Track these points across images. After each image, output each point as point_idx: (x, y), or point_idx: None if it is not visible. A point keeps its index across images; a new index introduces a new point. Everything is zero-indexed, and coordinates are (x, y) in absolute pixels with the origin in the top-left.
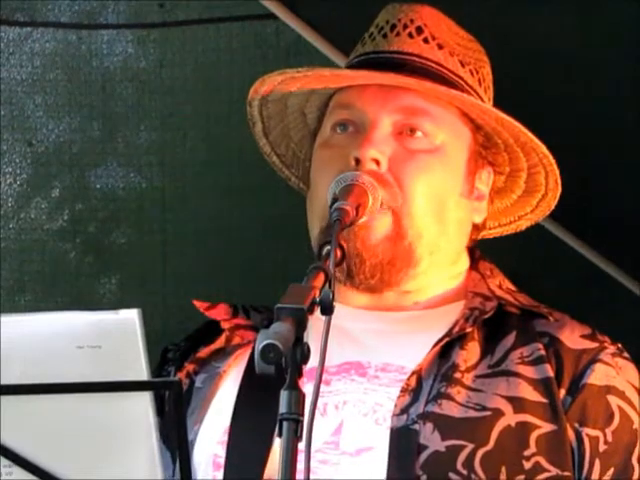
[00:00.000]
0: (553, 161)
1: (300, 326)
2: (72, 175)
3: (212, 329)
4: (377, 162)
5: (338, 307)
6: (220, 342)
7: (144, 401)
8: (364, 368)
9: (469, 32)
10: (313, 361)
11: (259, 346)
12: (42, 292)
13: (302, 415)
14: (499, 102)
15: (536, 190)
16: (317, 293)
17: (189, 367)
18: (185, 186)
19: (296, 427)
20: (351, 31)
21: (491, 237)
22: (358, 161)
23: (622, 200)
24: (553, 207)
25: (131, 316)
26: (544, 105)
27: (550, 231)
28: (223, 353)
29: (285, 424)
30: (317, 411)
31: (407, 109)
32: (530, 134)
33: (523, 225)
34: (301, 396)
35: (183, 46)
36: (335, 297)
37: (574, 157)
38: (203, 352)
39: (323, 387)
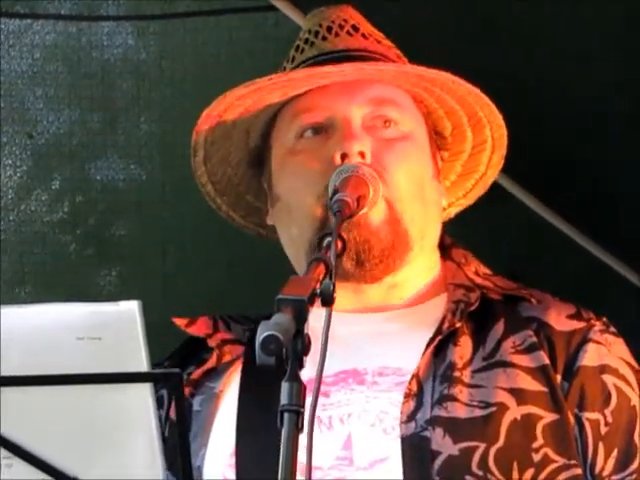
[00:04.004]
0: (505, 132)
1: (301, 317)
2: (72, 167)
3: (196, 345)
4: (362, 155)
5: (323, 312)
6: (212, 362)
7: (144, 393)
8: (361, 375)
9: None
10: (309, 372)
11: (260, 337)
12: (42, 284)
13: (303, 406)
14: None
15: (474, 171)
16: (318, 284)
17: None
18: (185, 178)
19: (297, 419)
20: None
21: None
22: (345, 156)
23: (621, 191)
24: (488, 187)
25: (131, 307)
26: (546, 103)
27: (549, 222)
28: (216, 372)
29: (286, 415)
30: (323, 425)
31: (375, 100)
32: (492, 105)
33: (452, 212)
34: (302, 387)
35: (183, 38)
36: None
37: (573, 150)
38: (196, 373)
39: (323, 399)
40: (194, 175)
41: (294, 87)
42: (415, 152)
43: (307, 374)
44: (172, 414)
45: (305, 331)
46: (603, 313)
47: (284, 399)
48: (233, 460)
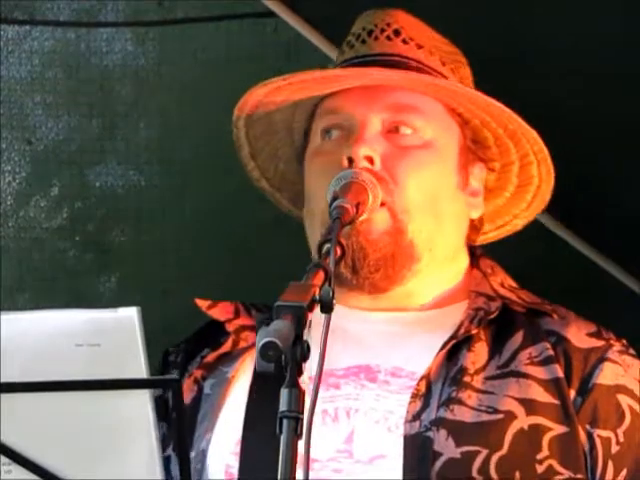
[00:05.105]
0: (544, 147)
1: (300, 324)
2: (71, 173)
3: (214, 329)
4: (370, 160)
5: (342, 309)
6: (227, 346)
7: (143, 399)
8: (374, 372)
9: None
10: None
11: (259, 344)
12: (41, 290)
13: (302, 413)
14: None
15: (529, 183)
16: (317, 291)
17: (197, 373)
18: (184, 184)
19: (296, 425)
20: (350, 29)
21: (489, 242)
22: (351, 160)
23: (622, 198)
24: (547, 201)
25: (130, 314)
26: (545, 105)
27: (549, 229)
28: (230, 357)
29: (285, 422)
30: (328, 417)
31: (394, 106)
32: (519, 119)
33: (519, 225)
34: (301, 394)
35: (182, 44)
36: (338, 299)
37: (573, 156)
38: (210, 357)
39: (333, 390)
40: (245, 169)
41: (310, 89)
42: (433, 161)
43: (313, 370)
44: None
45: (304, 337)
46: (602, 319)
47: (283, 405)
48: (238, 449)
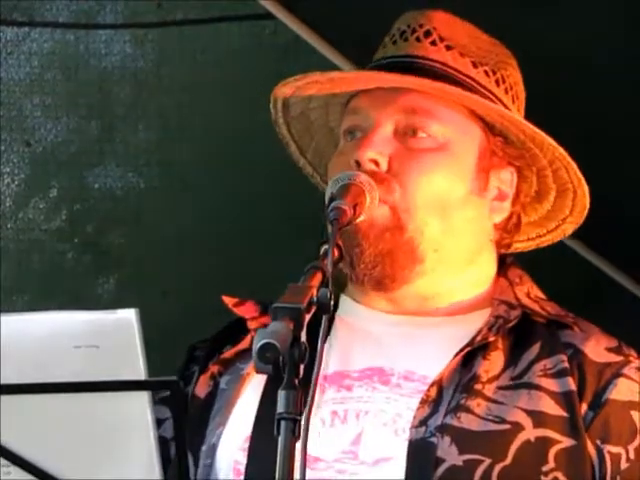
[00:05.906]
0: (564, 153)
1: (298, 325)
2: (70, 175)
3: (239, 327)
4: (376, 163)
5: (365, 311)
6: (245, 343)
7: (142, 401)
8: (387, 375)
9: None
10: (335, 365)
11: (256, 345)
12: (40, 292)
13: (300, 414)
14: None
15: (566, 188)
16: (315, 292)
17: (213, 368)
18: (183, 186)
19: (294, 427)
20: (349, 30)
21: (544, 246)
22: (358, 164)
23: (623, 201)
24: (587, 206)
25: (129, 316)
26: (549, 109)
27: None
28: (248, 354)
29: (283, 423)
30: (337, 418)
31: (408, 109)
32: (532, 126)
33: (569, 229)
34: (299, 395)
35: (181, 46)
36: (363, 301)
37: (575, 160)
38: (228, 353)
39: (345, 392)
40: (299, 166)
41: (328, 89)
42: (444, 164)
43: (333, 367)
44: (197, 391)
45: (302, 339)
46: (602, 322)
47: (281, 407)
48: (247, 445)
